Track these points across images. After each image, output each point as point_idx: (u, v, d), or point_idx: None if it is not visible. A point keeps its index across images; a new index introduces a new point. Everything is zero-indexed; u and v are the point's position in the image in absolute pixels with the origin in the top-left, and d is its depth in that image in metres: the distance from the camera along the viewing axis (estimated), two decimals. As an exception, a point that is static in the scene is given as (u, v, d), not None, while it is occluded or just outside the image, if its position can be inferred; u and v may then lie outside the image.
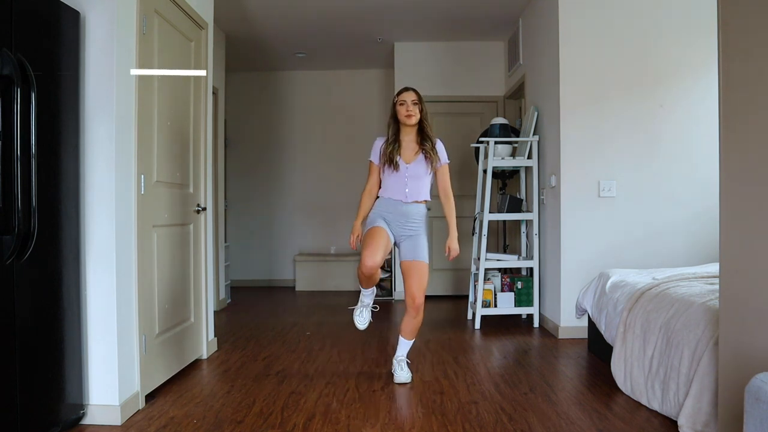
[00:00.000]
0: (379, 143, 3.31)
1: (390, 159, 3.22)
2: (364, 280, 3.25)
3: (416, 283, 3.19)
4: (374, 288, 3.38)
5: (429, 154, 3.24)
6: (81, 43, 2.63)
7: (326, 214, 7.35)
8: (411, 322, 3.27)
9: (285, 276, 7.43)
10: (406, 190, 3.22)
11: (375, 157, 3.31)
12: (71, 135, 2.58)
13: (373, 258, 3.08)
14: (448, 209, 3.36)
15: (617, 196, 4.31)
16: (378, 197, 3.32)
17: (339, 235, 7.30)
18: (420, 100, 3.26)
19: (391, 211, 3.23)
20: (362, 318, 3.36)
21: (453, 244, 3.32)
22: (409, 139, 3.28)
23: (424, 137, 3.27)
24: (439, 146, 3.31)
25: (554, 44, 4.41)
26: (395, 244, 3.30)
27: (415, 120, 3.23)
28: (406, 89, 3.29)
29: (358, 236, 3.31)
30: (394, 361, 3.33)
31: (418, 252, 3.22)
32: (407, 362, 3.34)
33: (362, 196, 3.35)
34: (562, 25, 4.33)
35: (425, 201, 3.30)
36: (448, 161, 3.34)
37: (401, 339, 3.33)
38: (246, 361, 3.75)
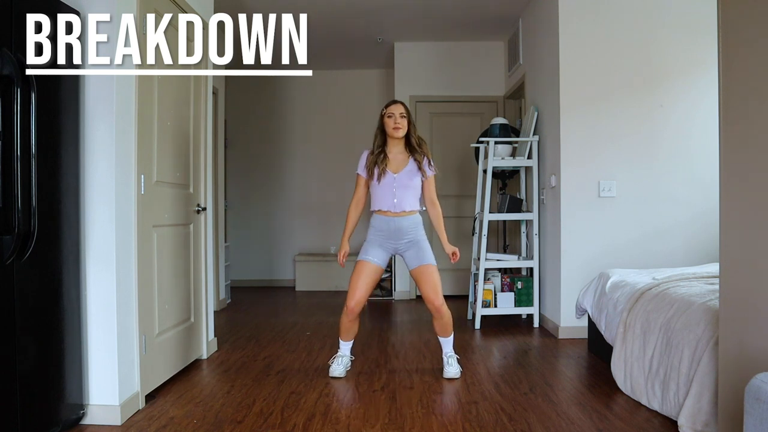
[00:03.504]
0: (365, 155, 3.37)
1: (375, 166, 3.28)
2: (344, 328, 3.37)
3: (430, 287, 3.27)
4: (352, 342, 3.45)
5: (419, 160, 3.29)
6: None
7: (326, 214, 7.35)
8: (440, 322, 3.34)
9: (285, 276, 7.43)
10: (395, 200, 3.27)
11: (362, 169, 3.36)
12: (71, 135, 2.58)
13: (355, 299, 3.28)
14: (435, 217, 3.43)
15: (617, 196, 4.31)
16: (371, 214, 3.38)
17: (339, 235, 7.20)
18: (408, 113, 3.32)
19: (384, 230, 3.30)
20: (339, 365, 3.38)
21: (448, 248, 3.39)
22: (396, 150, 3.34)
23: (412, 148, 3.32)
24: (425, 165, 3.34)
25: (554, 44, 4.41)
26: (399, 256, 3.38)
27: (402, 132, 3.29)
28: (394, 102, 3.35)
29: (345, 254, 3.43)
30: (444, 358, 3.40)
31: (422, 256, 3.29)
32: (457, 358, 3.41)
33: (349, 210, 3.43)
34: (562, 25, 4.33)
35: (416, 211, 3.35)
36: (434, 173, 3.39)
37: (441, 339, 3.41)
38: (246, 361, 3.75)
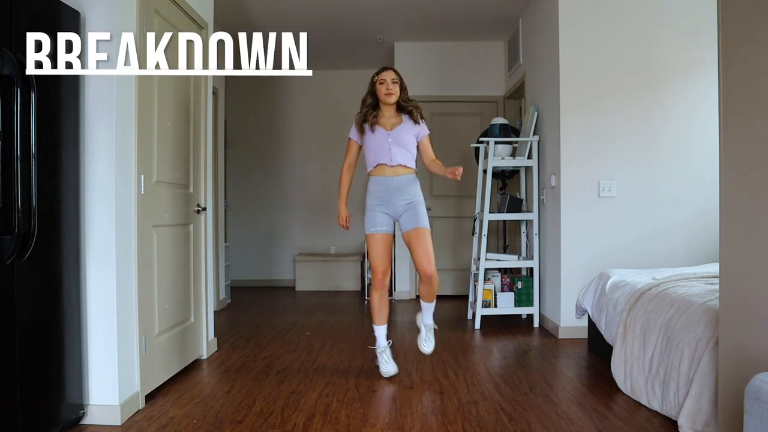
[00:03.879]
0: (358, 117, 3.38)
1: (365, 121, 3.28)
2: (376, 307, 3.35)
3: (423, 253, 3.23)
4: (386, 326, 3.41)
5: (413, 114, 3.29)
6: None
7: (326, 214, 7.34)
8: (428, 288, 3.32)
9: (285, 276, 7.43)
10: (391, 150, 3.25)
11: (354, 134, 3.38)
12: (71, 135, 2.58)
13: (379, 270, 3.27)
14: (438, 167, 3.33)
15: (617, 196, 4.31)
16: (368, 178, 3.36)
17: (339, 235, 7.29)
18: (400, 79, 3.31)
19: (382, 193, 3.28)
20: (388, 363, 3.34)
21: (449, 169, 3.20)
22: (389, 115, 3.34)
23: (405, 110, 3.32)
24: (422, 124, 3.35)
25: (554, 44, 4.41)
26: (397, 222, 3.35)
27: (394, 98, 3.29)
28: (386, 68, 3.34)
29: (347, 217, 3.42)
30: (422, 329, 3.44)
31: (417, 219, 3.26)
32: (435, 328, 3.46)
33: (342, 174, 3.43)
34: (562, 25, 4.33)
35: (413, 170, 3.33)
36: (429, 132, 3.37)
37: (423, 304, 3.41)
38: (246, 361, 3.75)
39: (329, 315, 5.39)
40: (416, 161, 3.38)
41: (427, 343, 3.45)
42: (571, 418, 2.69)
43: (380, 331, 3.37)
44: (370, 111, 3.32)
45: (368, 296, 6.36)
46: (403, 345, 4.12)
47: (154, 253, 3.08)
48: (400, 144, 3.27)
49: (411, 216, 3.27)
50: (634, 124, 4.32)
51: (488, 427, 2.58)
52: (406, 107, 3.33)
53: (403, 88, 3.33)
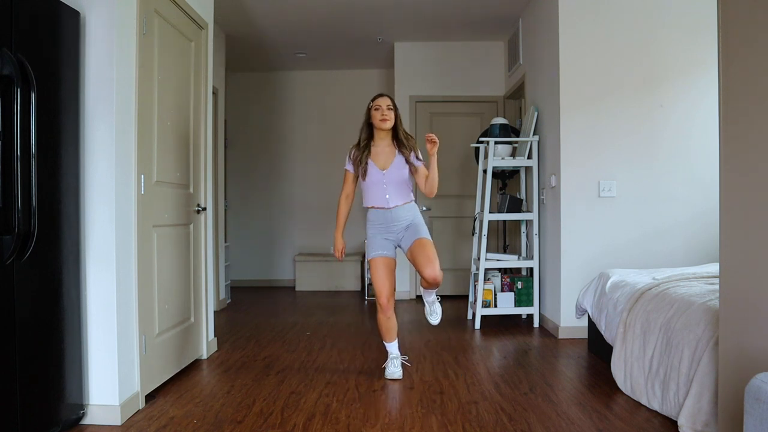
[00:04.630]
0: (353, 151, 3.38)
1: (360, 162, 3.30)
2: (384, 328, 3.37)
3: (427, 264, 3.23)
4: (397, 340, 3.44)
5: (406, 155, 3.28)
6: (81, 43, 2.63)
7: (326, 213, 7.34)
8: (431, 286, 3.40)
9: (285, 276, 7.43)
10: (387, 196, 3.30)
11: (349, 165, 3.39)
12: (71, 135, 2.58)
13: (384, 294, 3.28)
14: (429, 178, 3.31)
15: (617, 196, 4.31)
16: (367, 209, 3.41)
17: (339, 235, 7.30)
18: (394, 106, 3.33)
19: (381, 223, 3.33)
20: (395, 367, 3.38)
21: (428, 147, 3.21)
22: (384, 144, 3.33)
23: (399, 142, 3.32)
24: (413, 158, 3.34)
25: (554, 44, 4.41)
26: (399, 247, 3.40)
27: (389, 124, 3.29)
28: (381, 95, 3.37)
29: (342, 248, 3.47)
30: (426, 305, 3.58)
31: (417, 232, 3.31)
32: (439, 300, 3.59)
33: (339, 205, 3.46)
34: (562, 25, 4.33)
35: (410, 201, 3.36)
36: (422, 162, 3.36)
37: (424, 290, 3.52)
38: (246, 361, 3.75)
39: (329, 315, 5.39)
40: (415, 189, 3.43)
41: (433, 316, 3.57)
42: (571, 418, 2.69)
43: (392, 346, 3.43)
44: (364, 152, 3.30)
45: (368, 296, 6.37)
46: (403, 345, 4.12)
47: (154, 253, 3.08)
48: (395, 182, 3.29)
49: (411, 233, 3.31)
50: (634, 124, 4.32)
51: (488, 427, 2.58)
52: (402, 144, 3.31)
53: (397, 117, 3.33)
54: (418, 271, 3.29)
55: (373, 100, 3.34)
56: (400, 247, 3.38)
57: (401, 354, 3.51)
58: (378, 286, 3.30)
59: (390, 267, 3.32)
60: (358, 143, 3.36)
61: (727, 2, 2.07)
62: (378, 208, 3.32)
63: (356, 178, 3.39)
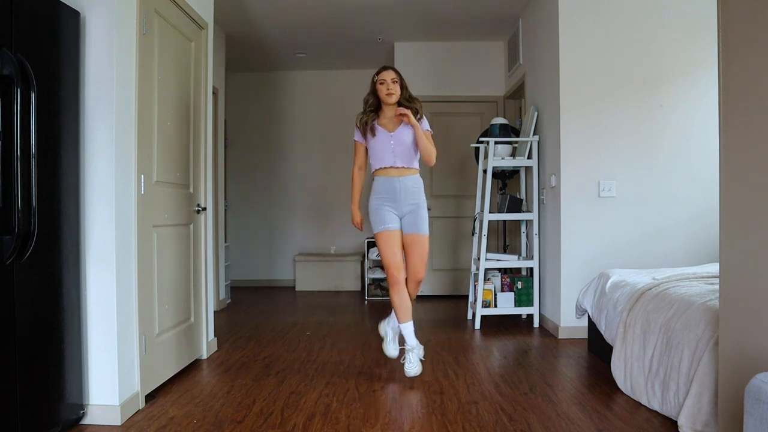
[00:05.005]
0: (359, 118, 3.40)
1: (367, 124, 3.31)
2: (398, 305, 3.27)
3: (418, 258, 3.29)
4: (413, 322, 3.33)
5: (411, 111, 3.26)
6: (81, 43, 2.63)
7: (326, 214, 7.35)
8: (412, 291, 3.36)
9: (285, 276, 7.43)
10: (394, 156, 3.29)
11: (358, 135, 3.40)
12: (71, 135, 2.58)
13: (394, 265, 3.24)
14: (426, 147, 3.32)
15: (617, 196, 4.31)
16: (374, 178, 3.38)
17: (339, 235, 7.30)
18: (400, 78, 3.33)
19: (388, 193, 3.30)
20: (413, 365, 3.26)
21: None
22: (390, 114, 3.35)
23: (403, 105, 3.33)
24: (424, 121, 3.36)
25: (554, 44, 4.41)
26: (400, 219, 3.36)
27: (395, 98, 3.30)
28: (386, 68, 3.35)
29: (361, 220, 3.49)
30: (393, 340, 3.50)
31: (419, 225, 3.30)
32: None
33: (353, 176, 3.48)
34: (562, 25, 4.33)
35: (416, 170, 3.36)
36: (430, 129, 3.37)
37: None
38: (246, 361, 3.75)
39: (329, 315, 5.39)
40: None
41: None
42: (571, 418, 2.69)
43: (408, 328, 3.30)
44: (369, 115, 3.33)
45: (368, 296, 6.37)
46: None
47: (154, 253, 3.08)
48: (403, 145, 3.29)
49: (414, 220, 3.31)
50: (634, 124, 4.32)
51: (488, 427, 2.58)
52: (407, 107, 3.33)
53: (403, 87, 3.34)
54: (408, 263, 3.32)
55: (377, 74, 3.33)
56: (401, 220, 3.35)
57: (418, 343, 3.35)
58: (388, 260, 3.25)
59: (398, 240, 3.28)
60: (364, 110, 3.36)
61: (727, 2, 2.07)
62: (385, 173, 3.29)
63: (366, 148, 3.39)
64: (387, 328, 3.50)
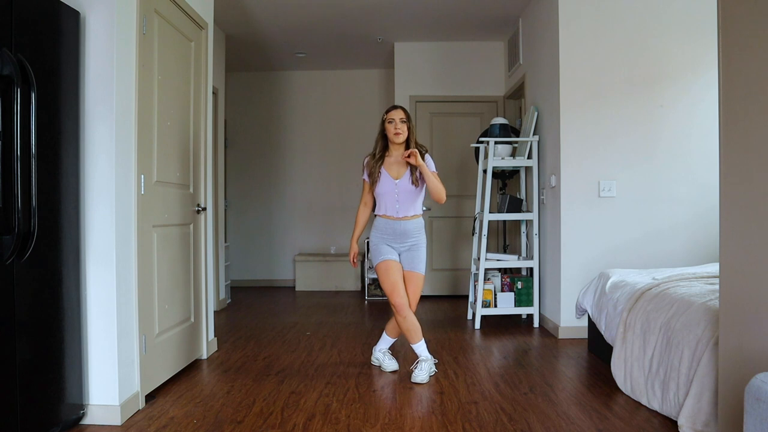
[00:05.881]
0: (366, 160, 3.46)
1: (372, 173, 3.37)
2: (406, 329, 3.34)
3: (411, 294, 3.39)
4: (424, 340, 3.39)
5: (414, 169, 3.33)
6: (81, 43, 2.63)
7: (326, 214, 7.36)
8: (403, 325, 3.36)
9: (285, 276, 7.43)
10: (397, 206, 3.36)
11: (366, 175, 3.46)
12: (71, 135, 2.58)
13: (398, 294, 3.28)
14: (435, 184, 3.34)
15: (617, 196, 4.31)
16: (376, 216, 3.45)
17: (339, 235, 7.31)
18: (408, 118, 3.37)
19: (388, 233, 3.38)
20: (422, 373, 3.27)
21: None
22: (398, 155, 3.39)
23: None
24: (428, 159, 3.39)
25: (554, 44, 4.41)
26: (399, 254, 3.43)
27: (402, 138, 3.34)
28: (395, 107, 3.41)
29: (355, 254, 3.55)
30: (386, 356, 3.56)
31: (415, 264, 3.39)
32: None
33: (358, 213, 3.56)
34: (562, 25, 4.33)
35: (419, 215, 3.42)
36: (435, 171, 3.40)
37: (390, 339, 3.56)
38: (246, 361, 3.75)
39: (329, 315, 5.39)
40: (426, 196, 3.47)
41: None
42: (571, 418, 2.69)
43: (420, 347, 3.37)
44: (378, 162, 3.36)
45: (368, 296, 6.37)
46: (403, 345, 4.12)
47: (154, 253, 3.08)
48: (407, 192, 3.34)
49: (411, 257, 3.38)
50: (634, 124, 4.32)
51: (488, 427, 2.58)
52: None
53: (410, 129, 3.36)
54: None
55: (387, 113, 3.38)
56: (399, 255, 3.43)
57: (432, 357, 3.40)
58: (389, 287, 3.32)
59: (397, 269, 3.35)
60: (374, 154, 3.41)
61: (727, 2, 2.07)
62: (387, 217, 3.37)
63: (372, 187, 3.44)
64: (377, 354, 3.60)
